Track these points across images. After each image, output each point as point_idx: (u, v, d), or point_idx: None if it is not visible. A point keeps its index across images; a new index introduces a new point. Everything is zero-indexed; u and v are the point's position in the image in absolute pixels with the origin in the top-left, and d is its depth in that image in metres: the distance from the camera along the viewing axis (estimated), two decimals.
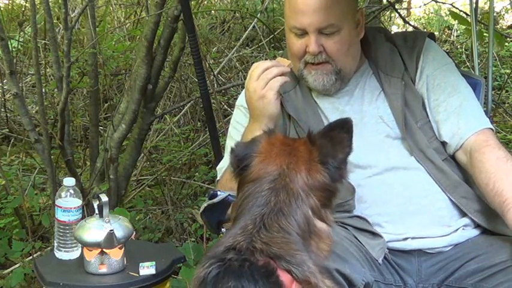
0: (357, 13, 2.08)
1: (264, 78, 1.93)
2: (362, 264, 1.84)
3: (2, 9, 4.79)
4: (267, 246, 1.39)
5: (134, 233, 2.27)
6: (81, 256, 2.17)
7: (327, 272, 1.52)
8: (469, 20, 3.00)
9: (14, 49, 4.49)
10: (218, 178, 2.17)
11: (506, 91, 6.09)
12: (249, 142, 1.66)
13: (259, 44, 5.88)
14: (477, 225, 2.01)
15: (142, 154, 4.19)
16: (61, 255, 2.27)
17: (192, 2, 4.47)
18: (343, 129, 1.60)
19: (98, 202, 2.14)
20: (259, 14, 5.88)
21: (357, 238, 1.94)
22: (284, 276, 1.37)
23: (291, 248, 1.41)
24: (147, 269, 2.13)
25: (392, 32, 2.31)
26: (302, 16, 1.98)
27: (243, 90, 2.28)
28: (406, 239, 1.99)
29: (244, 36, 5.76)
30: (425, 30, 7.14)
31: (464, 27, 5.06)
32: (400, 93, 2.06)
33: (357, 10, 2.10)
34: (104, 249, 2.09)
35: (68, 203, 2.25)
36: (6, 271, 3.28)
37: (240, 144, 1.66)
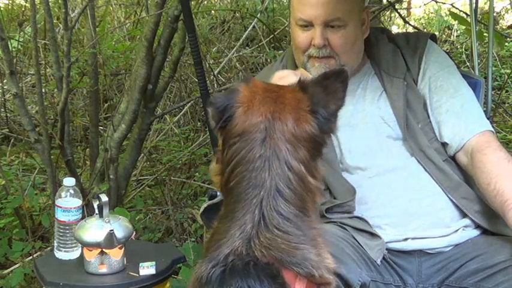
0: (362, 12, 2.10)
1: None
2: (358, 265, 1.83)
3: (2, 9, 4.78)
4: (267, 250, 1.36)
5: (134, 233, 2.27)
6: (81, 256, 2.17)
7: (327, 244, 1.48)
8: (469, 20, 3.00)
9: (14, 49, 4.47)
10: None
11: (506, 91, 6.08)
12: (227, 92, 1.55)
13: (259, 44, 5.86)
14: (477, 226, 2.01)
15: (142, 154, 4.18)
16: (61, 255, 2.27)
17: (192, 2, 4.46)
18: (338, 78, 1.52)
19: (98, 202, 2.14)
20: (259, 14, 5.87)
21: (355, 239, 1.93)
22: (287, 274, 1.36)
23: (291, 246, 1.38)
24: (147, 269, 2.13)
25: (394, 33, 2.32)
26: (310, 8, 2.00)
27: None
28: (406, 239, 1.99)
29: (244, 36, 5.74)
30: (425, 30, 7.14)
31: (464, 27, 5.04)
32: (402, 94, 2.06)
33: (363, 9, 2.11)
34: (104, 249, 2.09)
35: (68, 203, 2.25)
36: (6, 271, 3.26)
37: (219, 96, 1.55)
